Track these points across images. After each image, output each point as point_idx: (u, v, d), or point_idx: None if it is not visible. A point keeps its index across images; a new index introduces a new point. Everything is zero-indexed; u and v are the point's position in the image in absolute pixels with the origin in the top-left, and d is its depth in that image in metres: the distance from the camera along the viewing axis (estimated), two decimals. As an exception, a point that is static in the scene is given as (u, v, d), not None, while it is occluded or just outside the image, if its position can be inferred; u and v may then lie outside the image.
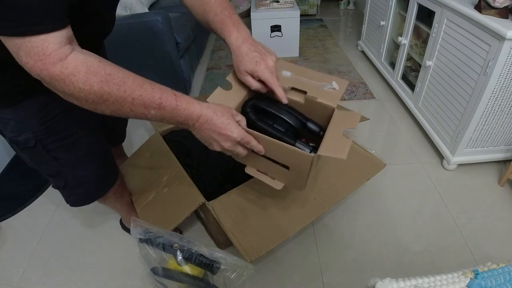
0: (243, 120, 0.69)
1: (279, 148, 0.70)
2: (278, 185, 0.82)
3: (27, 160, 0.83)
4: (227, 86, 0.81)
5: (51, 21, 0.50)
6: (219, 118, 0.62)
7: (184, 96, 0.61)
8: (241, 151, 0.68)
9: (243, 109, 0.79)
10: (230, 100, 0.77)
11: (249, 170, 0.85)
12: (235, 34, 0.72)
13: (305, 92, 0.81)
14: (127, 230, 1.31)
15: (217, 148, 0.66)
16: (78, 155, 0.85)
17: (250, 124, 0.74)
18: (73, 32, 0.54)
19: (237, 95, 0.79)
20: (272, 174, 0.83)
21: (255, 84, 0.74)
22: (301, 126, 0.80)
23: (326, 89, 0.81)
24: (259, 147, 0.69)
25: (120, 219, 1.34)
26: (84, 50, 0.54)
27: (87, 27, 0.64)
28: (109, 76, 0.53)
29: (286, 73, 0.85)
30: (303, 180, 0.77)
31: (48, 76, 0.50)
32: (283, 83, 0.81)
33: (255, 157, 0.78)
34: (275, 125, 0.77)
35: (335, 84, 0.81)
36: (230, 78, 0.83)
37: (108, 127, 1.04)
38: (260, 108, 0.79)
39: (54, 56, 0.50)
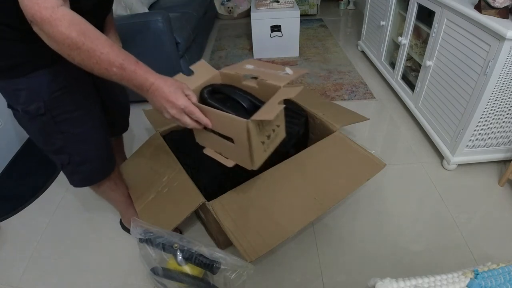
0: (193, 96, 0.75)
1: (221, 119, 0.75)
2: (229, 163, 0.86)
3: (35, 135, 0.88)
4: (190, 73, 0.90)
5: None
6: (168, 87, 0.70)
7: (145, 66, 0.70)
8: (187, 120, 0.74)
9: (201, 93, 0.88)
10: (189, 84, 0.82)
11: (207, 151, 0.92)
12: None
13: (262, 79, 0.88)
14: (127, 230, 1.31)
15: (167, 115, 0.73)
16: (83, 130, 0.90)
17: (203, 104, 0.80)
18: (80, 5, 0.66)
19: (196, 81, 0.89)
20: (225, 153, 0.88)
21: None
22: (254, 108, 0.83)
23: (280, 75, 0.87)
24: (205, 120, 0.75)
25: (120, 219, 1.34)
26: (73, 11, 0.64)
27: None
28: (86, 29, 0.63)
29: (249, 66, 0.94)
30: (247, 153, 0.79)
31: (40, 17, 0.59)
32: (244, 73, 0.91)
33: (209, 137, 0.85)
34: (227, 105, 0.83)
35: (288, 70, 0.88)
36: (193, 67, 0.92)
37: (110, 114, 1.08)
38: (217, 92, 0.87)
39: (49, 3, 0.60)
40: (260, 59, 2.71)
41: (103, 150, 1.00)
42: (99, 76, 0.68)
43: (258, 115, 0.73)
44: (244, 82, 0.92)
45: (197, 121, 0.75)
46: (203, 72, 0.94)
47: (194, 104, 0.74)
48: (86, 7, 0.75)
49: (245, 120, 0.72)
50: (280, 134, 0.89)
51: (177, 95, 0.70)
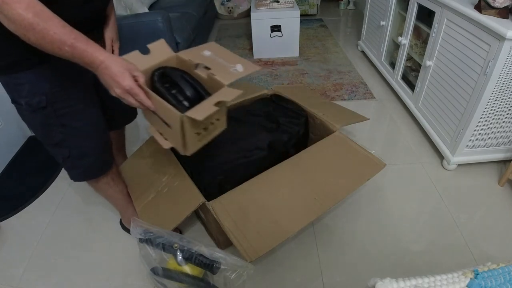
0: (141, 77, 0.78)
1: (161, 105, 0.80)
2: (166, 144, 0.91)
3: (37, 128, 0.90)
4: (146, 52, 0.92)
5: None
6: (117, 67, 0.73)
7: (96, 45, 0.73)
8: (132, 101, 0.78)
9: (152, 75, 0.89)
10: (142, 63, 0.87)
11: (150, 129, 0.96)
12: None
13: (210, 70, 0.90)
14: (127, 230, 1.31)
15: (113, 93, 0.77)
16: (83, 124, 0.92)
17: (151, 87, 0.85)
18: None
19: (150, 61, 0.91)
20: (165, 134, 0.92)
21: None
22: (198, 98, 0.87)
23: (231, 70, 0.90)
24: (147, 102, 0.79)
25: (120, 220, 1.34)
26: None
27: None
28: (41, 11, 0.67)
29: (206, 52, 0.96)
30: (179, 140, 0.84)
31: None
32: (200, 61, 0.94)
33: (153, 117, 0.89)
34: (172, 92, 0.86)
35: (239, 67, 0.90)
36: (151, 46, 0.94)
37: (109, 108, 1.09)
38: (167, 76, 0.89)
39: None
40: (260, 59, 2.72)
41: (101, 146, 1.02)
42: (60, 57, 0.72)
43: (191, 113, 0.77)
44: (196, 70, 0.95)
45: (140, 102, 0.79)
46: (159, 53, 0.95)
47: (140, 86, 0.77)
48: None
49: (179, 114, 0.77)
50: (219, 127, 0.93)
51: (124, 76, 0.74)
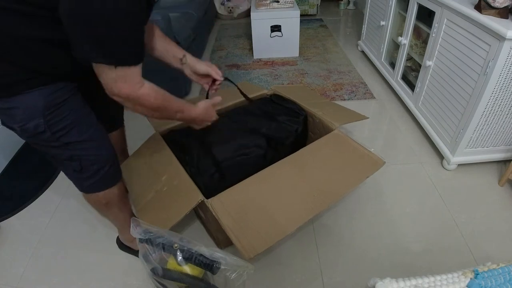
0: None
1: None
2: None
3: (39, 149, 0.87)
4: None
5: (143, 54, 0.75)
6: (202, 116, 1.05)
7: (186, 104, 0.98)
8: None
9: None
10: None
11: None
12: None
13: None
14: (126, 248, 1.26)
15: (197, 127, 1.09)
16: (87, 135, 0.89)
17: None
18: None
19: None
20: None
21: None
22: None
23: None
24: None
25: (117, 237, 1.28)
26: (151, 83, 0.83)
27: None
28: (164, 94, 0.86)
29: None
30: None
31: (135, 96, 0.78)
32: None
33: None
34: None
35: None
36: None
37: (106, 111, 1.08)
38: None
39: (139, 83, 0.78)
40: (260, 59, 2.72)
41: (111, 152, 0.98)
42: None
43: None
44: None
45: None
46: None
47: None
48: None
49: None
50: None
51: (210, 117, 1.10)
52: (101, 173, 0.96)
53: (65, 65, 0.78)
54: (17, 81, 0.74)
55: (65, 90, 0.82)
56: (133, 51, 0.73)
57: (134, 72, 0.74)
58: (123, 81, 0.73)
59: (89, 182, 0.96)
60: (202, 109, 1.03)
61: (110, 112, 1.18)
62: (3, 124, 0.82)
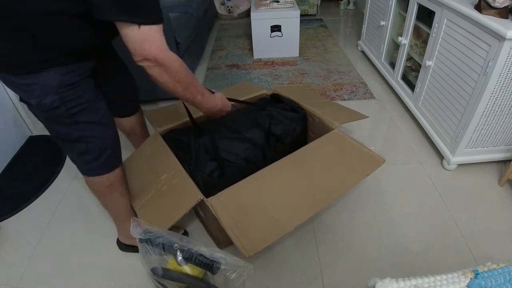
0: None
1: None
2: None
3: (50, 126, 0.90)
4: None
5: (162, 14, 0.77)
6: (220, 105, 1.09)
7: (207, 92, 1.01)
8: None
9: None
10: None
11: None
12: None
13: None
14: (126, 247, 1.26)
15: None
16: (97, 117, 0.94)
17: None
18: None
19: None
20: None
21: None
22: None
23: None
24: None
25: (117, 239, 1.28)
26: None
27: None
28: (187, 69, 0.87)
29: None
30: None
31: (163, 58, 0.78)
32: None
33: None
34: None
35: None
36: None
37: (117, 97, 1.15)
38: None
39: (166, 46, 0.79)
40: (260, 59, 2.72)
41: (116, 136, 1.02)
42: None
43: None
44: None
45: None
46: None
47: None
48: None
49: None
50: None
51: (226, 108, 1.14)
52: (104, 156, 0.99)
53: (88, 40, 0.83)
54: (36, 61, 0.79)
55: (79, 71, 0.86)
56: (154, 9, 0.74)
57: (159, 32, 0.76)
58: (150, 42, 0.75)
59: (93, 165, 1.00)
60: (220, 98, 1.07)
61: (122, 98, 1.21)
62: (21, 100, 0.87)
